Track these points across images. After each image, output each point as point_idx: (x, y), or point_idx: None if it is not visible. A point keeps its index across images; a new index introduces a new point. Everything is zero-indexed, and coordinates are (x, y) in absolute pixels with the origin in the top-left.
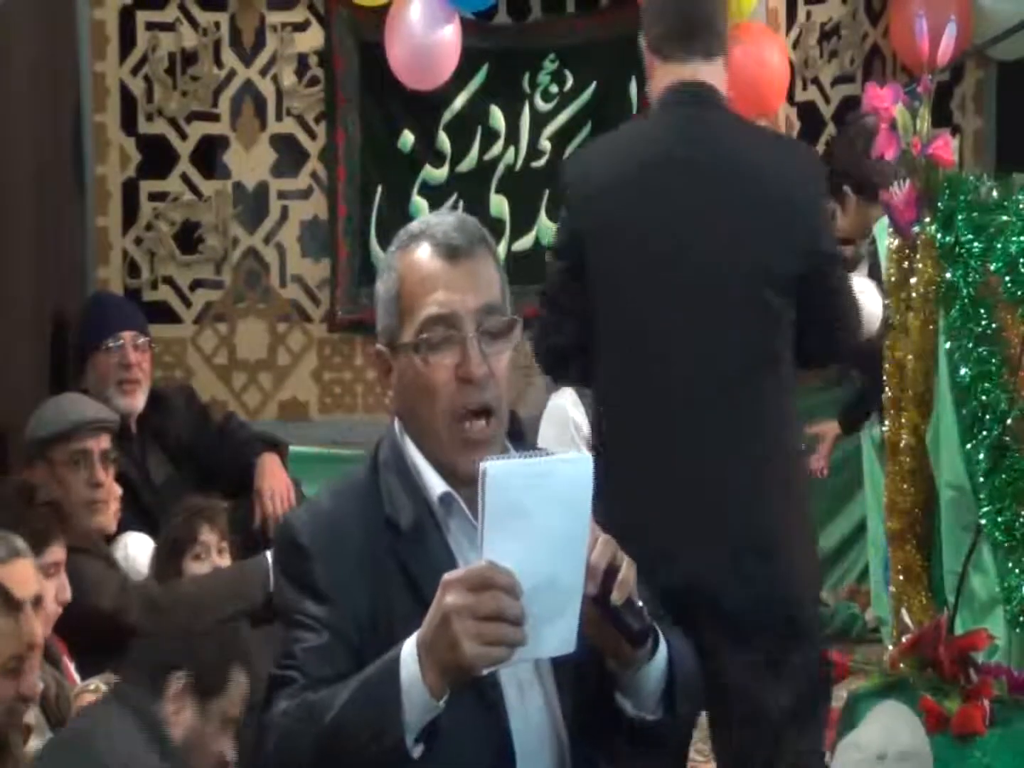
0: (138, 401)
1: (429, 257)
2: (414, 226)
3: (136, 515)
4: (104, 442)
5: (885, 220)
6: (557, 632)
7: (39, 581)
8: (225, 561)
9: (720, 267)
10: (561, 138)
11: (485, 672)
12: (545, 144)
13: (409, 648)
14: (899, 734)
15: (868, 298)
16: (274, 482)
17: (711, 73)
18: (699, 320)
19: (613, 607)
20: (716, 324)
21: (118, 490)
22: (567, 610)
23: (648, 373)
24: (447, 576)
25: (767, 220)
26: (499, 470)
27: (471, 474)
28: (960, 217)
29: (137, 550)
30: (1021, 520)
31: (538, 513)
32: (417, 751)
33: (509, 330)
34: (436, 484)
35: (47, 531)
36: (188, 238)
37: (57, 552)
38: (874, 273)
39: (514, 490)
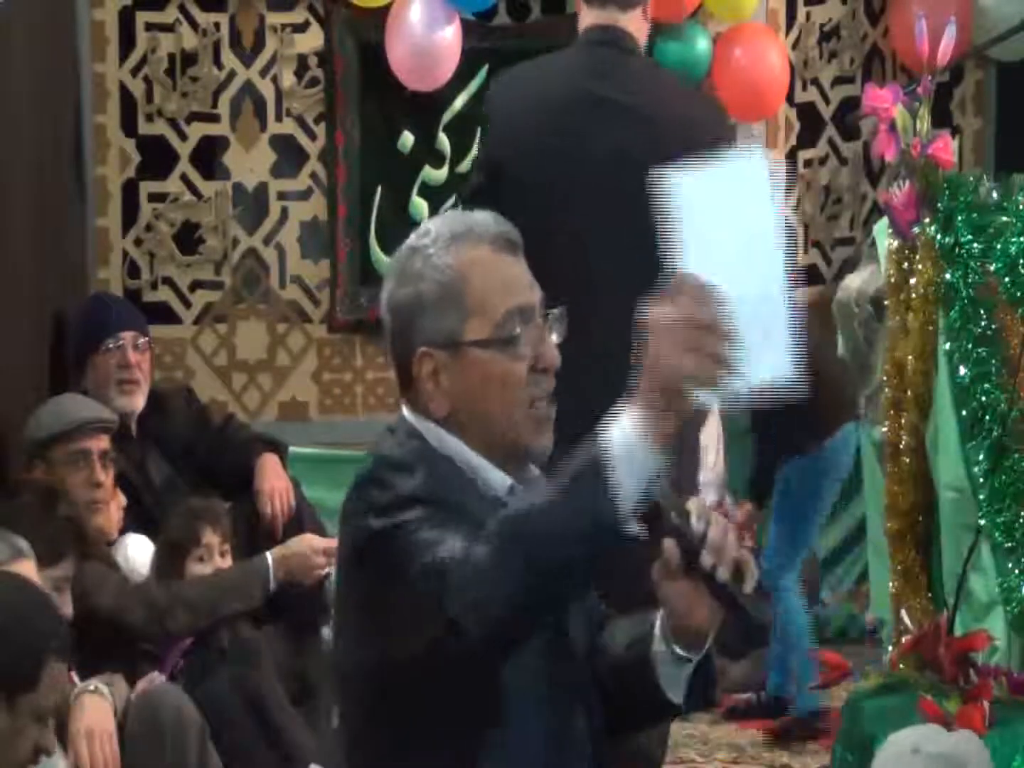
0: (138, 402)
1: (492, 252)
2: (448, 226)
3: (135, 516)
4: (103, 442)
5: (884, 221)
6: (772, 358)
7: (41, 583)
8: (227, 563)
9: (625, 202)
10: None
11: (697, 408)
12: None
13: (616, 424)
14: (940, 734)
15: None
16: (275, 483)
17: (627, 20)
18: (603, 254)
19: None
20: (620, 259)
21: (122, 498)
22: (774, 327)
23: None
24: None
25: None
26: (684, 178)
27: (541, 451)
28: (960, 218)
29: (137, 552)
30: (1021, 521)
31: (724, 217)
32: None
33: (562, 320)
34: (499, 479)
35: (62, 546)
36: (188, 239)
37: (67, 568)
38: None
39: (699, 192)
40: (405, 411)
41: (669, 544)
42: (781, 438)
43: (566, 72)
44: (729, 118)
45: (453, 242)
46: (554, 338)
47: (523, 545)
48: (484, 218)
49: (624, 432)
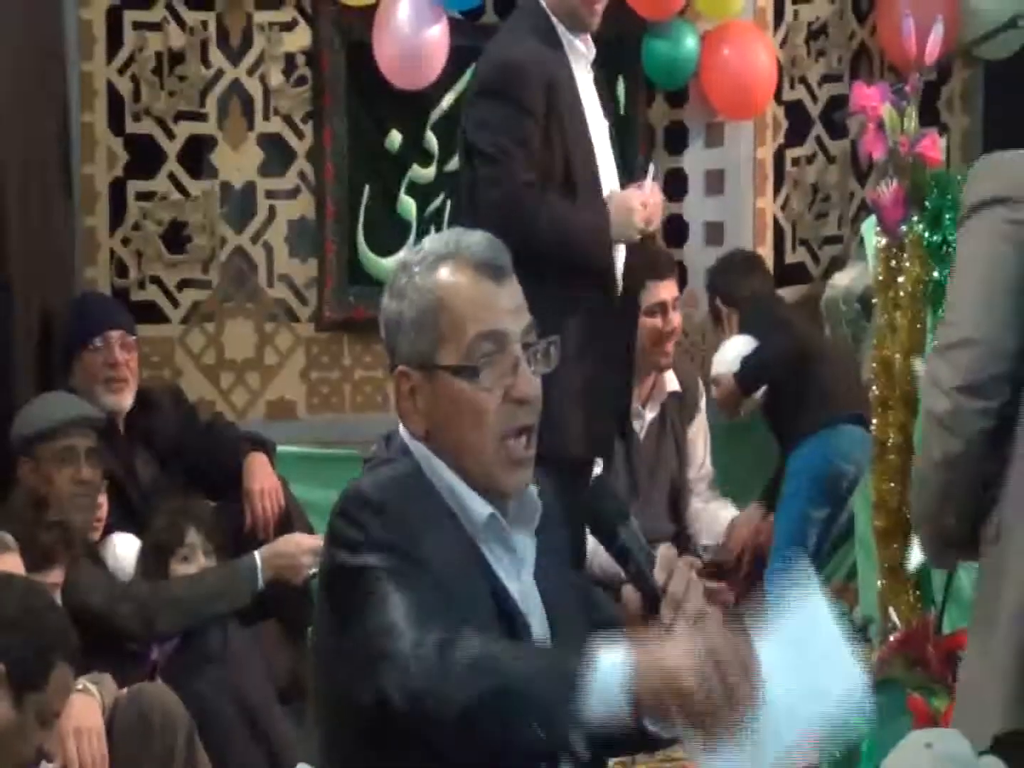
0: (125, 400)
1: (472, 277)
2: (438, 246)
3: (123, 515)
4: (90, 440)
5: (872, 219)
6: (738, 763)
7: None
8: (212, 563)
9: None
10: None
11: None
12: None
13: (616, 662)
14: (953, 739)
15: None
16: (263, 483)
17: None
18: None
19: None
20: None
21: (104, 505)
22: (763, 757)
23: None
24: (716, 614)
25: None
26: (819, 605)
27: (515, 491)
28: (947, 216)
29: (124, 550)
30: None
31: (805, 666)
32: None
33: (548, 351)
34: (480, 506)
35: (54, 553)
36: (175, 238)
37: (58, 575)
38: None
39: (815, 633)
40: (401, 427)
41: (628, 591)
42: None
43: None
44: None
45: (438, 263)
46: (536, 369)
47: (475, 692)
48: (476, 241)
49: (613, 674)
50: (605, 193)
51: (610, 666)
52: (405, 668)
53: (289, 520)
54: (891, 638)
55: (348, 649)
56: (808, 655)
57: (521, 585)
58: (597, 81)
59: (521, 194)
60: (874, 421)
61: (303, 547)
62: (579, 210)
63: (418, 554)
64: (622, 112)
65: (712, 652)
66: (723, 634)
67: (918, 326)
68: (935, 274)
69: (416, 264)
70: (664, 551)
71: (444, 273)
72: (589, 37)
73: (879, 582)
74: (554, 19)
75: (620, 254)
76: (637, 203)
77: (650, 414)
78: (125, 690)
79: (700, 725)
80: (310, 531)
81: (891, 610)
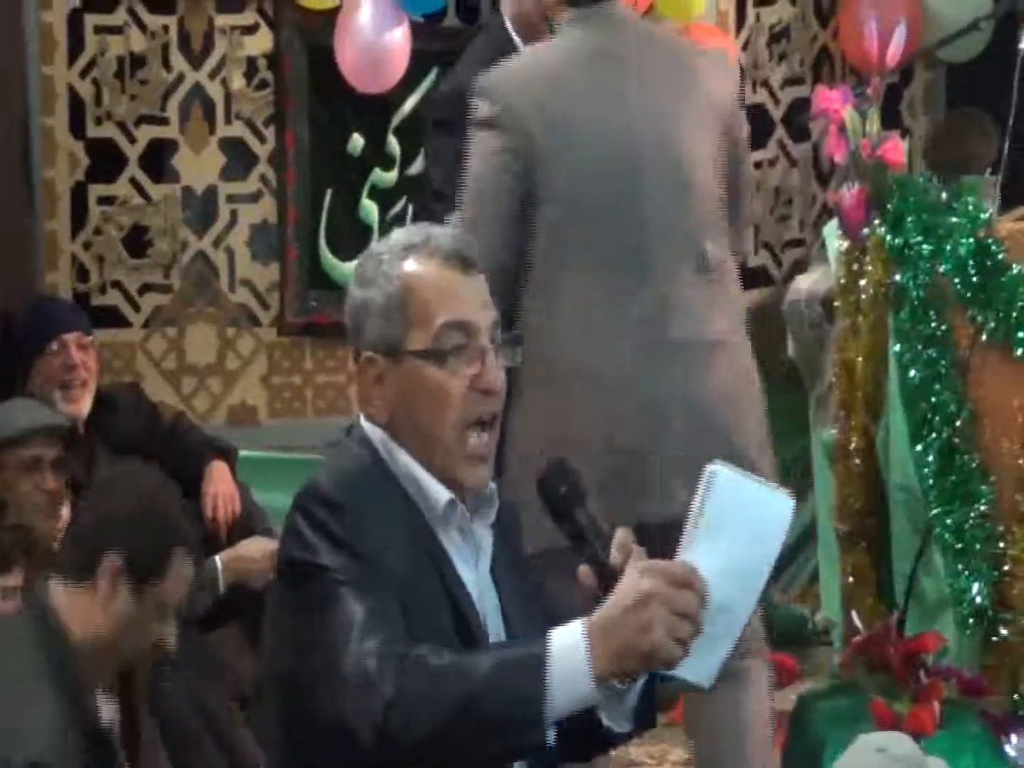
0: (84, 401)
1: (440, 266)
2: (410, 237)
3: None
4: (56, 450)
5: (834, 222)
6: (704, 661)
7: None
8: None
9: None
10: None
11: (653, 672)
12: None
13: (568, 635)
14: (903, 741)
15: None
16: (220, 487)
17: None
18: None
19: None
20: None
21: (66, 514)
22: (721, 644)
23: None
24: (643, 563)
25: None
26: (727, 478)
27: (474, 486)
28: (909, 219)
29: None
30: (971, 522)
31: (739, 534)
32: (552, 737)
33: (513, 346)
34: (440, 491)
35: (12, 556)
36: (137, 242)
37: (17, 578)
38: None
39: (731, 503)
40: (361, 416)
41: (584, 571)
42: None
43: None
44: None
45: (406, 253)
46: (501, 362)
47: (452, 708)
48: (445, 233)
49: (571, 651)
50: None
51: (566, 643)
52: (364, 690)
53: (250, 525)
54: (853, 641)
55: (301, 655)
56: (736, 527)
57: (478, 575)
58: None
59: None
60: (836, 425)
61: (264, 551)
62: None
63: (374, 555)
64: None
65: (651, 591)
66: (652, 570)
67: (880, 329)
68: (897, 277)
69: (385, 253)
70: (620, 534)
71: (413, 261)
72: None
73: (841, 585)
74: (514, 34)
75: None
76: None
77: None
78: None
79: (667, 661)
80: (271, 536)
81: (853, 613)
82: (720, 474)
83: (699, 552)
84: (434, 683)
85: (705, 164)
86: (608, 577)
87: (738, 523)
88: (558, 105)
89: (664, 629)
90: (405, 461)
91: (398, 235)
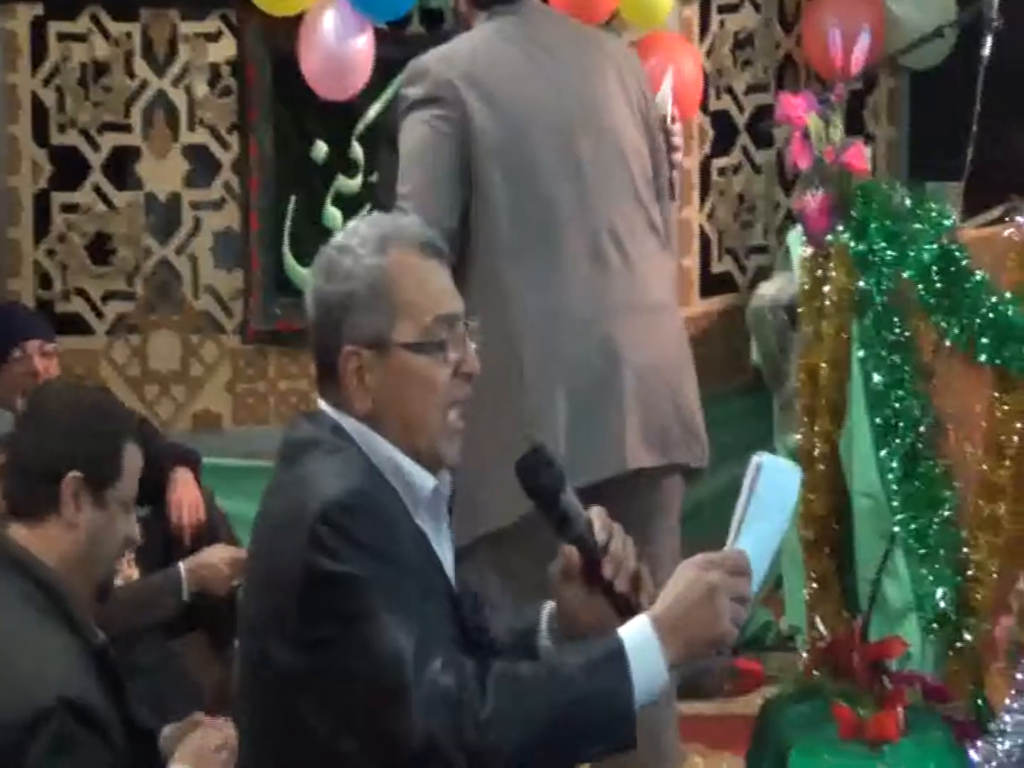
0: None
1: (419, 256)
2: (380, 228)
3: None
4: None
5: (798, 229)
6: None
7: None
8: (135, 573)
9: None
10: None
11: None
12: None
13: (638, 633)
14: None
15: None
16: (183, 494)
17: None
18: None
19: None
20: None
21: None
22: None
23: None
24: (704, 556)
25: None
26: (771, 467)
27: (453, 462)
28: (873, 225)
29: None
30: (934, 527)
31: (774, 515)
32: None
33: (474, 330)
34: (425, 476)
35: None
36: (100, 250)
37: None
38: None
39: (772, 489)
40: (323, 405)
41: (570, 551)
42: None
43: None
44: None
45: (383, 244)
46: (472, 346)
47: (537, 714)
48: (411, 222)
49: (645, 648)
50: None
51: (637, 641)
52: (450, 709)
53: (215, 532)
54: (817, 647)
55: (347, 670)
56: (773, 510)
57: (449, 562)
58: None
59: None
60: (800, 431)
61: (227, 559)
62: None
63: (397, 554)
64: None
65: (718, 584)
66: (713, 563)
67: (843, 335)
68: (860, 283)
69: (360, 246)
70: (598, 513)
71: (392, 253)
72: None
73: (805, 591)
74: None
75: None
76: None
77: None
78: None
79: (730, 644)
80: (235, 543)
81: (817, 619)
82: (766, 465)
83: (748, 538)
84: (528, 695)
85: (632, 135)
86: (593, 557)
87: (774, 506)
88: (488, 79)
89: (728, 617)
90: (387, 449)
91: (364, 228)
